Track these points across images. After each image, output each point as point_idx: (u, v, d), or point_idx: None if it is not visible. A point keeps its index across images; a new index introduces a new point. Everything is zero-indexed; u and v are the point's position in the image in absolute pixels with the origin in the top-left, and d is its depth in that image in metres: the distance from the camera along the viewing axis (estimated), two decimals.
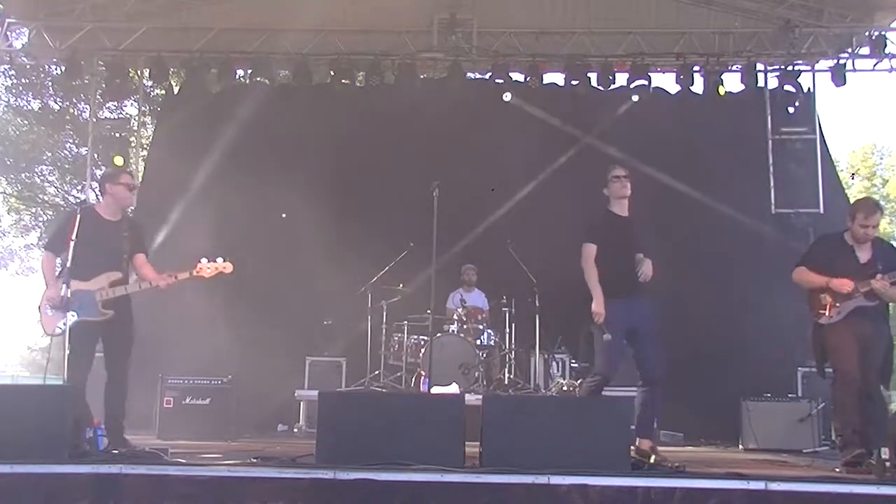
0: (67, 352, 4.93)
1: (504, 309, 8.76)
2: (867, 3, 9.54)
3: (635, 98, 9.72)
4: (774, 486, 3.81)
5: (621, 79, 9.79)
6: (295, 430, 8.50)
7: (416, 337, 8.58)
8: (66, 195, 17.80)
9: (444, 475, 3.88)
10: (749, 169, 9.86)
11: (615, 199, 5.59)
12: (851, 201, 7.82)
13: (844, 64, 9.78)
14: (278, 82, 10.42)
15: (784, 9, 9.69)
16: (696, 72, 9.68)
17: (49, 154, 17.47)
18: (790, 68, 9.81)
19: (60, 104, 16.45)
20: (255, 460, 4.47)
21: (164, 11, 9.90)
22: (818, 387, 6.97)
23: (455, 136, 9.51)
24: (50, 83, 15.65)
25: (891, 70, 9.63)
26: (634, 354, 5.41)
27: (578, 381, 7.49)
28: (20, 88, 16.54)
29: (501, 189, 9.58)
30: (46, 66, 13.19)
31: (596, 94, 9.76)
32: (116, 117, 14.65)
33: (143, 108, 12.63)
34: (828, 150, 10.24)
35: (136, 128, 12.49)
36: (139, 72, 10.89)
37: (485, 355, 8.38)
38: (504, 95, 9.75)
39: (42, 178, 18.21)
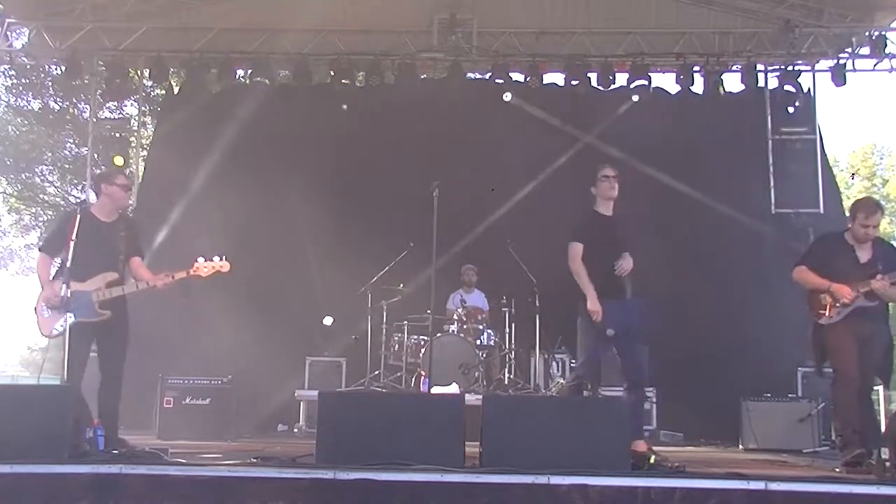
0: (67, 352, 4.90)
1: (504, 309, 8.75)
2: (867, 3, 9.54)
3: (635, 98, 9.72)
4: (774, 486, 3.80)
5: (621, 79, 9.80)
6: (295, 430, 8.50)
7: (416, 337, 8.58)
8: (66, 195, 17.81)
9: (444, 475, 3.87)
10: (749, 169, 9.87)
11: (602, 199, 5.59)
12: (849, 201, 7.83)
13: (844, 64, 9.78)
14: (278, 82, 10.42)
15: (784, 9, 9.69)
16: (696, 72, 9.69)
17: (49, 154, 17.50)
18: (790, 68, 9.82)
19: (60, 104, 16.47)
20: (255, 460, 4.46)
21: (164, 11, 9.90)
22: (818, 387, 6.96)
23: (455, 136, 9.51)
24: (50, 83, 15.64)
25: (891, 70, 9.64)
26: (619, 356, 5.40)
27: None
28: (20, 88, 16.56)
29: (501, 189, 9.56)
30: (46, 66, 13.16)
31: (596, 94, 9.77)
32: (116, 117, 14.59)
33: (143, 108, 12.65)
34: (824, 151, 10.23)
35: (136, 128, 12.45)
36: (139, 72, 10.89)
37: (485, 355, 8.38)
38: (504, 95, 9.74)
39: (42, 178, 18.24)
